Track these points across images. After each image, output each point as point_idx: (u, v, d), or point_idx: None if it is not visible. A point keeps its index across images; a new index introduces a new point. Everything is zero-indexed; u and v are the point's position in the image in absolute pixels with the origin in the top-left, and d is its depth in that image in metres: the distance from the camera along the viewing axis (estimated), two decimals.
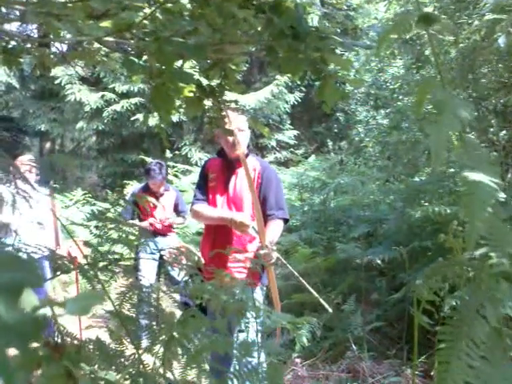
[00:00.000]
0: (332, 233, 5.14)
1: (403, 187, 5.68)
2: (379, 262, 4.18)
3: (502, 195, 0.70)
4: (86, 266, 1.36)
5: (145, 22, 1.27)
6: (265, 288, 3.02)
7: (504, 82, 6.10)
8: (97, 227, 1.66)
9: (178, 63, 1.61)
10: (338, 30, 9.71)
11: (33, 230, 3.89)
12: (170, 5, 1.31)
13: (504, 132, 6.23)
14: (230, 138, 2.96)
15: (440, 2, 6.38)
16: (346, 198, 5.61)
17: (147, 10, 1.29)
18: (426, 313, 0.99)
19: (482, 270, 0.77)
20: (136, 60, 1.31)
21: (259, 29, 1.53)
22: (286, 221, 2.98)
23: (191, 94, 1.67)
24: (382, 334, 3.76)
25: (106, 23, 1.19)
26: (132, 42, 1.38)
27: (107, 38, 1.29)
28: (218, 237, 2.96)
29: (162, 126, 2.58)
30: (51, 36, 1.57)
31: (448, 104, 0.74)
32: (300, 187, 5.96)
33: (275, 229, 2.90)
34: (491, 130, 6.79)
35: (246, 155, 3.00)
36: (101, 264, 1.56)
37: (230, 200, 2.97)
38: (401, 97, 7.51)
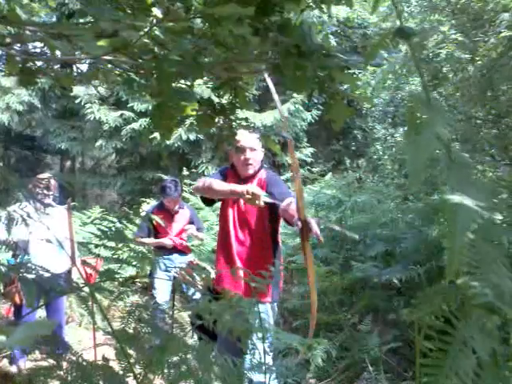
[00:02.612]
0: (349, 251, 5.07)
1: (421, 205, 5.60)
2: (396, 281, 4.10)
3: (497, 217, 0.66)
4: (83, 286, 1.35)
5: (146, 41, 1.28)
6: (275, 305, 2.98)
7: None
8: (107, 246, 1.66)
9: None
10: (347, 48, 9.72)
11: (49, 248, 3.91)
12: (171, 24, 1.32)
13: None
14: (242, 157, 2.98)
15: (457, 20, 6.37)
16: (363, 216, 5.55)
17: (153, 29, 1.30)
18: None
19: (465, 301, 0.72)
20: (137, 79, 1.32)
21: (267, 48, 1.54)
22: None
23: (194, 112, 1.68)
24: (399, 354, 3.68)
25: (102, 42, 1.20)
26: (131, 60, 1.39)
27: (106, 57, 1.31)
28: (230, 253, 2.97)
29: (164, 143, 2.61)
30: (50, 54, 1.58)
31: (428, 122, 0.70)
32: (316, 205, 5.92)
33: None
34: (511, 148, 6.69)
35: (258, 171, 3.03)
36: (107, 283, 1.55)
37: (240, 215, 2.99)
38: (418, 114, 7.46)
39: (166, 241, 4.71)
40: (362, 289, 4.43)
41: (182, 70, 1.35)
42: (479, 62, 5.97)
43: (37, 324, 0.55)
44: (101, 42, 1.20)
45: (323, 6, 1.71)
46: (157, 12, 1.41)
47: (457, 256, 0.62)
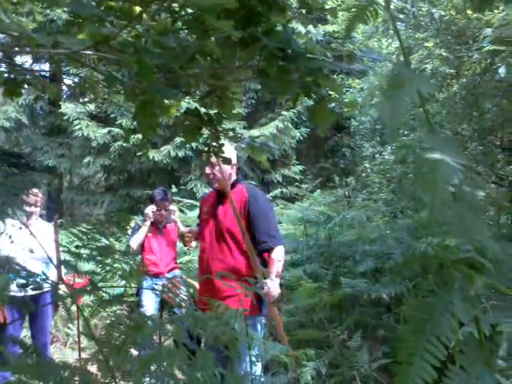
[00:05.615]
0: (338, 268, 5.06)
1: (409, 222, 5.61)
2: (385, 296, 4.09)
3: (480, 193, 0.66)
4: (69, 298, 1.33)
5: (129, 39, 1.27)
6: (263, 319, 2.95)
7: (509, 116, 6.11)
8: (98, 262, 1.63)
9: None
10: (329, 55, 9.79)
11: (35, 265, 3.85)
12: (153, 23, 1.31)
13: (511, 167, 6.20)
14: (207, 170, 2.98)
15: (440, 37, 6.46)
16: (351, 232, 5.56)
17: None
18: None
19: (446, 258, 0.72)
20: (119, 76, 1.31)
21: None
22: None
23: (177, 113, 1.67)
24: (389, 371, 3.64)
25: (82, 35, 1.19)
26: (113, 56, 1.38)
27: (87, 52, 1.29)
28: (209, 272, 2.94)
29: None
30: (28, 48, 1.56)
31: (405, 78, 0.70)
32: (305, 222, 5.92)
33: (278, 259, 2.85)
34: (498, 165, 6.76)
35: (234, 184, 2.99)
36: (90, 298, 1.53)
37: (217, 230, 2.96)
38: (406, 132, 7.52)
39: (148, 211, 4.64)
40: (352, 305, 4.41)
41: (162, 62, 1.34)
42: (464, 80, 6.06)
43: None
44: (81, 36, 1.19)
45: (309, 16, 1.72)
46: (136, 9, 1.40)
47: (436, 208, 0.61)
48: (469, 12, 5.88)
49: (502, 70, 5.10)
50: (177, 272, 4.92)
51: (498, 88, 5.92)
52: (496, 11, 5.32)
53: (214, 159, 2.89)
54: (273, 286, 2.74)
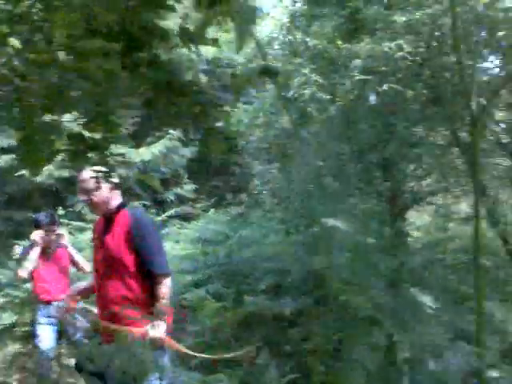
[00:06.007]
0: (240, 286, 5.16)
1: (302, 238, 5.89)
2: (287, 312, 4.27)
3: (370, 240, 0.80)
4: None
5: (5, 71, 1.24)
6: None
7: (380, 137, 6.71)
8: None
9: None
10: (217, 86, 10.00)
11: None
12: (32, 55, 1.29)
13: (388, 183, 6.76)
14: (82, 197, 2.94)
15: (316, 63, 6.91)
16: (249, 249, 5.69)
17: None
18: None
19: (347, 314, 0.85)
20: None
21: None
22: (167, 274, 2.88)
23: (64, 146, 1.63)
24: None
25: None
26: None
27: None
28: (101, 297, 2.90)
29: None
30: None
31: (298, 152, 0.82)
32: (203, 241, 5.97)
33: (163, 296, 2.79)
34: (375, 182, 7.34)
35: (118, 209, 2.95)
36: None
37: (106, 257, 2.89)
38: (290, 151, 7.88)
39: (35, 236, 4.42)
40: (257, 322, 4.52)
41: (47, 102, 1.32)
42: (339, 103, 6.53)
43: None
44: None
45: (191, 44, 1.74)
46: (15, 42, 1.36)
47: (335, 273, 0.73)
48: (339, 42, 6.39)
49: (372, 98, 5.69)
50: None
51: (371, 111, 6.49)
52: (362, 43, 5.88)
53: (86, 185, 2.85)
54: (156, 331, 2.69)
